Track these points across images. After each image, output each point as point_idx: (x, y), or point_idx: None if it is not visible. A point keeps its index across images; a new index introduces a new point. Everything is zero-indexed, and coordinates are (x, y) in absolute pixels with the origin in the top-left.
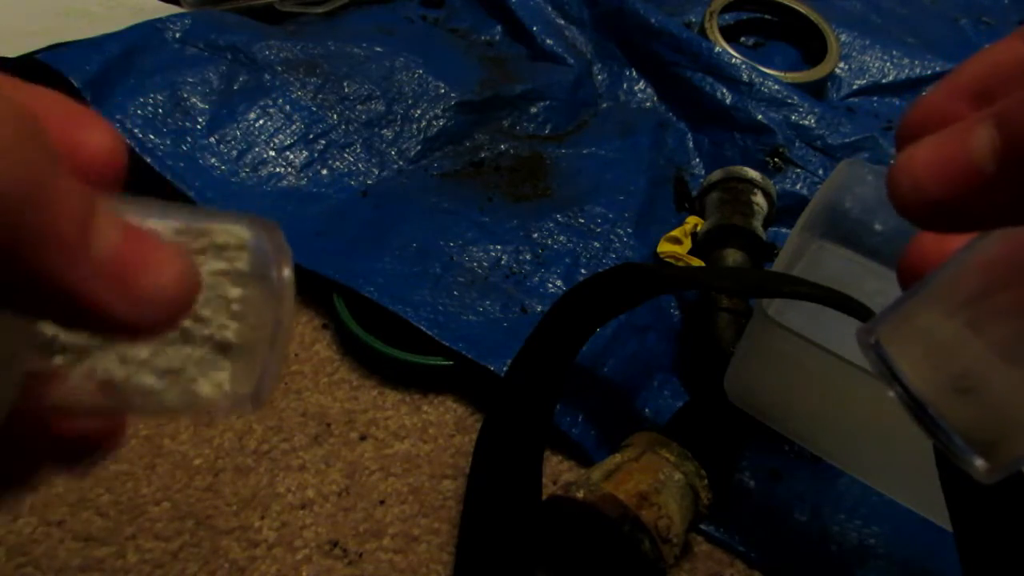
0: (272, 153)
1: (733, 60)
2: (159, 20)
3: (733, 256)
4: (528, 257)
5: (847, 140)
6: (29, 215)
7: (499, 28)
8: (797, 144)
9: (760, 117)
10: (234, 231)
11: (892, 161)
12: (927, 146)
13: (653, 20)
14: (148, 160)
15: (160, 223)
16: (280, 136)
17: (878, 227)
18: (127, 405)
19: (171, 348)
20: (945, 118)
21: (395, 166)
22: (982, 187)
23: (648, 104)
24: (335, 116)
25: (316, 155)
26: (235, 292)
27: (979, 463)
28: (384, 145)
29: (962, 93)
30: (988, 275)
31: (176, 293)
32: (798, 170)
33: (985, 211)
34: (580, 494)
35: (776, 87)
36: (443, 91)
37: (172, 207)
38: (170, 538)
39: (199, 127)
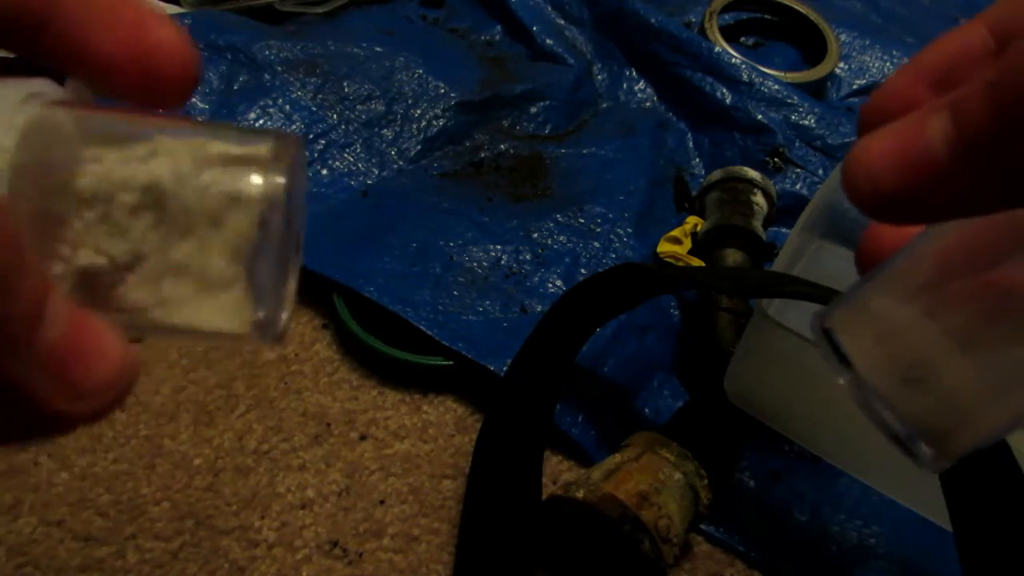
0: None
1: (733, 60)
2: None
3: (733, 256)
4: (528, 257)
5: (847, 140)
6: None
7: (499, 28)
8: (797, 144)
9: (760, 117)
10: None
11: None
12: (883, 136)
13: (653, 20)
14: None
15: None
16: None
17: None
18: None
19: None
20: (906, 105)
21: (395, 166)
22: (937, 178)
23: (648, 104)
24: (335, 116)
25: (316, 155)
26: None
27: (926, 452)
28: (384, 145)
29: (924, 79)
30: (943, 264)
31: (113, 386)
32: (798, 170)
33: (940, 203)
34: (580, 494)
35: (776, 87)
36: (443, 91)
37: (194, 128)
38: (170, 538)
39: None
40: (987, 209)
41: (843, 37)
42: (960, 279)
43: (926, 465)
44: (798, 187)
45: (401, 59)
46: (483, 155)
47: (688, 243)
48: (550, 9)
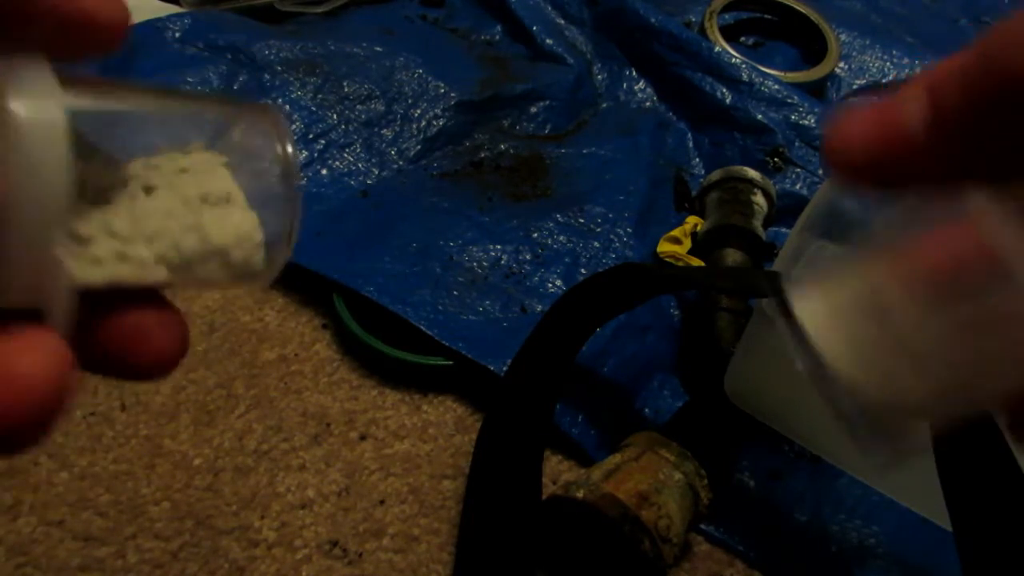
0: None
1: (733, 60)
2: (159, 20)
3: (733, 256)
4: (528, 257)
5: None
6: None
7: (499, 28)
8: (797, 144)
9: (760, 117)
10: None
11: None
12: (863, 115)
13: (653, 20)
14: None
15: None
16: None
17: None
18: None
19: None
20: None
21: (395, 166)
22: (911, 154)
23: (648, 104)
24: (335, 116)
25: (316, 155)
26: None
27: (879, 446)
28: (384, 145)
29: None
30: (909, 251)
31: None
32: (798, 170)
33: (913, 177)
34: (580, 494)
35: (776, 87)
36: (443, 91)
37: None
38: (170, 538)
39: None
40: (959, 181)
41: (843, 37)
42: (924, 271)
43: (878, 461)
44: (798, 187)
45: (401, 59)
46: (483, 155)
47: (688, 243)
48: (550, 9)
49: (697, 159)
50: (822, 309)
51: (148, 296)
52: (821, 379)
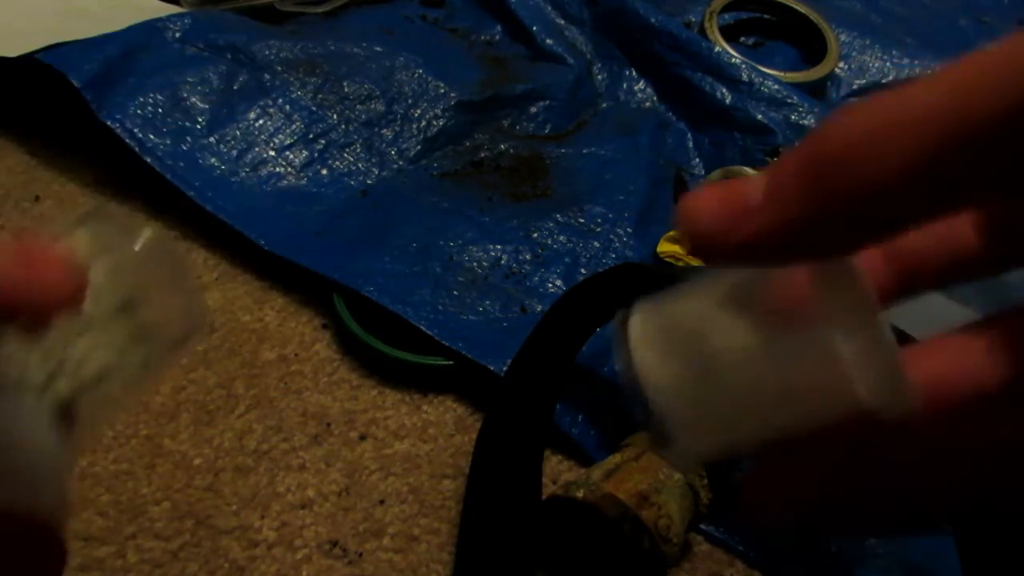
0: (272, 153)
1: (733, 60)
2: (159, 20)
3: None
4: (528, 257)
5: None
6: None
7: (499, 28)
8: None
9: (760, 117)
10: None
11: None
12: (717, 186)
13: (653, 20)
14: (148, 160)
15: None
16: (280, 136)
17: None
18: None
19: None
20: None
21: (395, 166)
22: (751, 222)
23: (648, 104)
24: (335, 116)
25: (316, 155)
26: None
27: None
28: (384, 145)
29: None
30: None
31: None
32: None
33: (751, 245)
34: (580, 494)
35: (776, 87)
36: (443, 91)
37: None
38: (170, 538)
39: (199, 127)
40: (794, 258)
41: (843, 37)
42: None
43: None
44: None
45: (401, 59)
46: (483, 155)
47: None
48: (550, 9)
49: (697, 159)
50: (650, 320)
51: None
52: (632, 385)
